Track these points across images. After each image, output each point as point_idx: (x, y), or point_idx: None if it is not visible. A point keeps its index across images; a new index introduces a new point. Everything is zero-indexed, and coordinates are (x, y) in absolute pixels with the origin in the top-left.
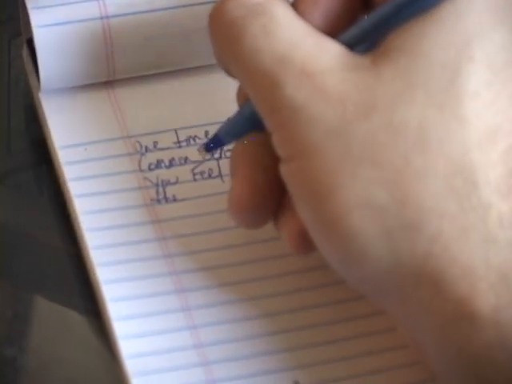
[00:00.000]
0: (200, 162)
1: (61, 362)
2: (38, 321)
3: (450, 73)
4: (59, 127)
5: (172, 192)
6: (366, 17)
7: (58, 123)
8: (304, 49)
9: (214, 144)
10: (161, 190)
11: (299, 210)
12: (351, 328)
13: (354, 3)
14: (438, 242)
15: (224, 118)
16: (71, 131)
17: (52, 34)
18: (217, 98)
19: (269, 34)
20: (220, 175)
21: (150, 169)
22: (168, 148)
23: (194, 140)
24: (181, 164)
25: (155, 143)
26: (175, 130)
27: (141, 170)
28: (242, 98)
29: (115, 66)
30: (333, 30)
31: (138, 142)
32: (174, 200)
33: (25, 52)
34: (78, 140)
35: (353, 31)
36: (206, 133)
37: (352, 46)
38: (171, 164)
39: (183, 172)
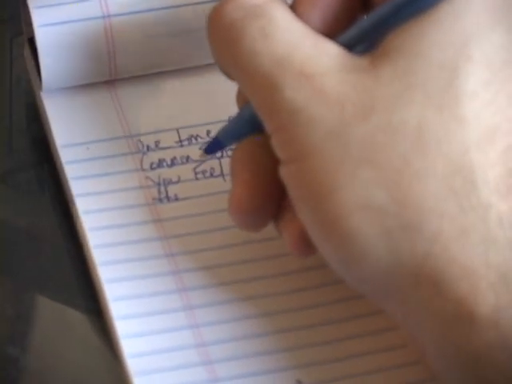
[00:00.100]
0: (202, 161)
1: (63, 362)
2: (40, 320)
3: (448, 73)
4: (61, 126)
5: (174, 191)
6: (364, 18)
7: (59, 122)
8: (303, 50)
9: (214, 147)
10: (162, 189)
11: (299, 211)
12: (353, 327)
13: (352, 4)
14: (438, 242)
15: (226, 117)
16: (73, 130)
17: (54, 33)
18: (218, 97)
19: (267, 36)
20: (222, 174)
21: (151, 168)
22: (170, 147)
23: (196, 139)
24: (183, 163)
25: (157, 142)
26: (177, 129)
27: (142, 169)
28: (242, 100)
29: (117, 65)
30: (331, 32)
31: (140, 141)
32: (176, 199)
33: (26, 51)
34: (80, 139)
35: (351, 32)
36: (208, 132)
37: (350, 46)
38: (173, 163)
39: (185, 171)
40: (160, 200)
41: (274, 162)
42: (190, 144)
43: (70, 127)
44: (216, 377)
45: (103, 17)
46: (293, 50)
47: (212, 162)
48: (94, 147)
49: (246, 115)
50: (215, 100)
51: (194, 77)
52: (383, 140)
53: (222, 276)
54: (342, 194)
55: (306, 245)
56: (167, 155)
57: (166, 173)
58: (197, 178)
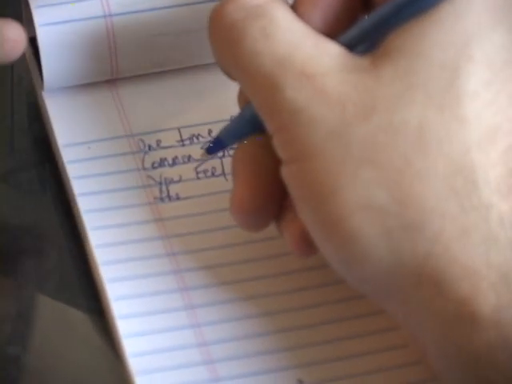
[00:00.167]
0: (203, 161)
1: (64, 361)
2: (41, 319)
3: (449, 73)
4: (62, 126)
5: (175, 190)
6: (365, 18)
7: (61, 122)
8: (304, 50)
9: (215, 146)
10: (164, 188)
11: (300, 211)
12: (354, 327)
13: (353, 4)
14: (439, 242)
15: (227, 117)
16: (74, 130)
17: (55, 33)
18: (220, 97)
19: (269, 36)
20: (223, 173)
21: (153, 167)
22: (171, 146)
23: (198, 138)
24: (184, 162)
25: (158, 141)
26: (178, 129)
27: (144, 169)
28: (243, 100)
29: (118, 65)
30: (332, 32)
31: (142, 140)
32: (178, 198)
33: (28, 51)
34: (81, 138)
35: (352, 32)
36: (210, 131)
37: (352, 46)
38: (174, 162)
39: (186, 170)
40: (161, 199)
41: (276, 162)
42: (191, 143)
43: (71, 126)
44: (217, 376)
45: (104, 16)
46: (294, 50)
47: (213, 162)
48: (96, 146)
49: (247, 115)
50: (217, 99)
51: (196, 76)
52: (384, 140)
53: (224, 275)
54: (343, 194)
55: (307, 245)
56: (169, 154)
57: (167, 172)
58: (198, 178)
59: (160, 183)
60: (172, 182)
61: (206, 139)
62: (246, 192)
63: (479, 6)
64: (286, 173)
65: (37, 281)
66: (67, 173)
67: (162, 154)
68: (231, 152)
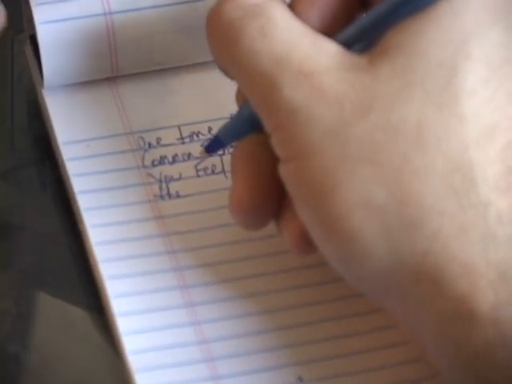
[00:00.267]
0: (203, 158)
1: (64, 359)
2: (41, 317)
3: (447, 71)
4: (62, 123)
5: (175, 188)
6: (362, 16)
7: (61, 119)
8: (301, 49)
9: (214, 145)
10: (164, 186)
11: (299, 210)
12: (354, 324)
13: (350, 3)
14: (438, 240)
15: (227, 114)
16: (74, 127)
17: (55, 31)
18: (220, 94)
19: (266, 35)
20: (223, 171)
21: (153, 165)
22: (171, 144)
23: (198, 136)
24: (184, 160)
25: (158, 139)
26: (178, 126)
27: (144, 166)
28: (241, 99)
29: (118, 62)
30: (330, 30)
31: (141, 138)
32: (178, 196)
33: (28, 48)
34: (81, 136)
35: (350, 30)
36: (210, 129)
37: (349, 45)
38: (174, 160)
39: (186, 168)
40: (161, 197)
41: (274, 161)
42: (191, 141)
43: (71, 124)
44: (217, 374)
45: (104, 14)
46: (291, 49)
47: (213, 159)
48: (96, 144)
49: (245, 114)
50: (217, 97)
51: (196, 74)
52: (382, 138)
53: (223, 273)
54: (341, 193)
55: (306, 243)
56: (168, 152)
57: (167, 170)
58: (198, 175)
59: (160, 181)
60: (172, 179)
61: (206, 137)
62: (244, 191)
63: (477, 3)
64: (284, 171)
65: (36, 278)
66: (67, 170)
67: (161, 151)
68: (231, 150)
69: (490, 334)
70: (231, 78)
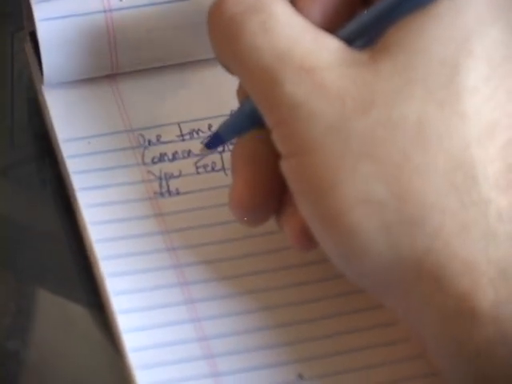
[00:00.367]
0: (203, 156)
1: (63, 356)
2: (41, 314)
3: (449, 69)
4: (62, 121)
5: (175, 185)
6: (364, 12)
7: (60, 117)
8: (303, 45)
9: (214, 142)
10: (164, 183)
11: (300, 206)
12: (354, 321)
13: None
14: (439, 238)
15: (227, 111)
16: (74, 125)
17: (55, 28)
18: (220, 91)
19: (268, 30)
20: (223, 168)
21: (153, 162)
22: (171, 141)
23: (198, 133)
24: (184, 157)
25: (158, 136)
26: (178, 124)
27: (144, 164)
28: (242, 95)
29: (118, 60)
30: (331, 26)
31: (141, 135)
32: (177, 193)
33: (28, 45)
34: (81, 133)
35: (351, 26)
36: (209, 126)
37: (351, 41)
38: (174, 157)
39: (186, 165)
40: (161, 194)
41: (275, 157)
42: (191, 138)
43: (71, 121)
44: (217, 371)
45: (104, 11)
46: (293, 45)
47: (213, 157)
48: (96, 141)
49: (246, 110)
50: (217, 94)
51: (196, 71)
52: (383, 135)
53: (223, 270)
54: (342, 189)
55: (307, 239)
56: (168, 149)
57: (167, 167)
58: (198, 173)
59: (160, 178)
60: (172, 176)
61: (206, 134)
62: (245, 187)
63: (478, 1)
64: (286, 167)
65: (36, 275)
66: (67, 167)
67: (161, 148)
68: (231, 147)
69: (490, 331)
70: (232, 73)
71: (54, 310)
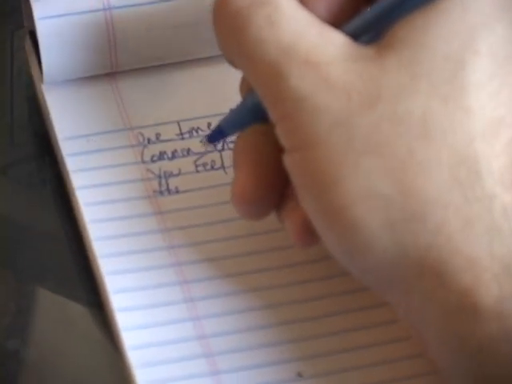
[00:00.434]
0: (202, 154)
1: (63, 354)
2: (41, 313)
3: (453, 64)
4: (62, 119)
5: (175, 184)
6: (370, 7)
7: (60, 115)
8: (308, 39)
9: (216, 135)
10: (163, 181)
11: (303, 200)
12: (355, 319)
13: None
14: (442, 233)
15: (227, 110)
16: (74, 123)
17: (54, 26)
18: (220, 90)
19: (273, 24)
20: (223, 167)
21: (152, 160)
22: (171, 140)
23: (197, 132)
24: (183, 156)
25: (158, 135)
26: (178, 122)
27: (143, 162)
28: (245, 88)
29: (118, 58)
30: (337, 21)
31: (141, 133)
32: (177, 192)
33: (27, 44)
34: (81, 132)
35: (357, 22)
36: (209, 124)
37: (356, 36)
38: (174, 156)
39: (186, 164)
40: (161, 192)
41: (277, 151)
42: (190, 137)
43: (70, 120)
44: (217, 369)
45: (104, 9)
46: (299, 39)
47: (213, 155)
48: (95, 140)
49: (249, 104)
50: (216, 93)
51: (195, 69)
52: (388, 130)
53: (224, 268)
54: (345, 184)
55: (308, 234)
56: (168, 148)
57: (166, 165)
58: (197, 171)
59: (159, 176)
60: (171, 175)
61: (206, 132)
62: (247, 181)
63: None
64: (289, 161)
65: (36, 274)
66: (66, 166)
67: (161, 147)
68: (231, 145)
69: (493, 327)
70: (237, 67)
71: (53, 310)
